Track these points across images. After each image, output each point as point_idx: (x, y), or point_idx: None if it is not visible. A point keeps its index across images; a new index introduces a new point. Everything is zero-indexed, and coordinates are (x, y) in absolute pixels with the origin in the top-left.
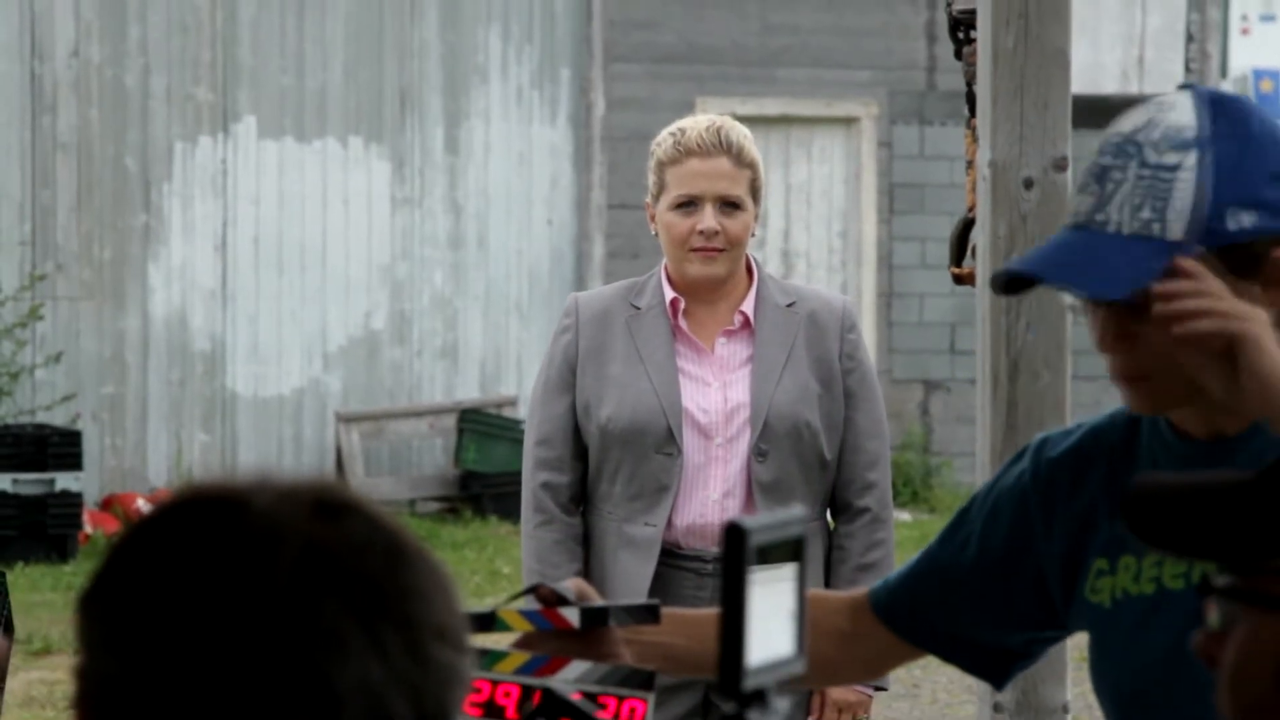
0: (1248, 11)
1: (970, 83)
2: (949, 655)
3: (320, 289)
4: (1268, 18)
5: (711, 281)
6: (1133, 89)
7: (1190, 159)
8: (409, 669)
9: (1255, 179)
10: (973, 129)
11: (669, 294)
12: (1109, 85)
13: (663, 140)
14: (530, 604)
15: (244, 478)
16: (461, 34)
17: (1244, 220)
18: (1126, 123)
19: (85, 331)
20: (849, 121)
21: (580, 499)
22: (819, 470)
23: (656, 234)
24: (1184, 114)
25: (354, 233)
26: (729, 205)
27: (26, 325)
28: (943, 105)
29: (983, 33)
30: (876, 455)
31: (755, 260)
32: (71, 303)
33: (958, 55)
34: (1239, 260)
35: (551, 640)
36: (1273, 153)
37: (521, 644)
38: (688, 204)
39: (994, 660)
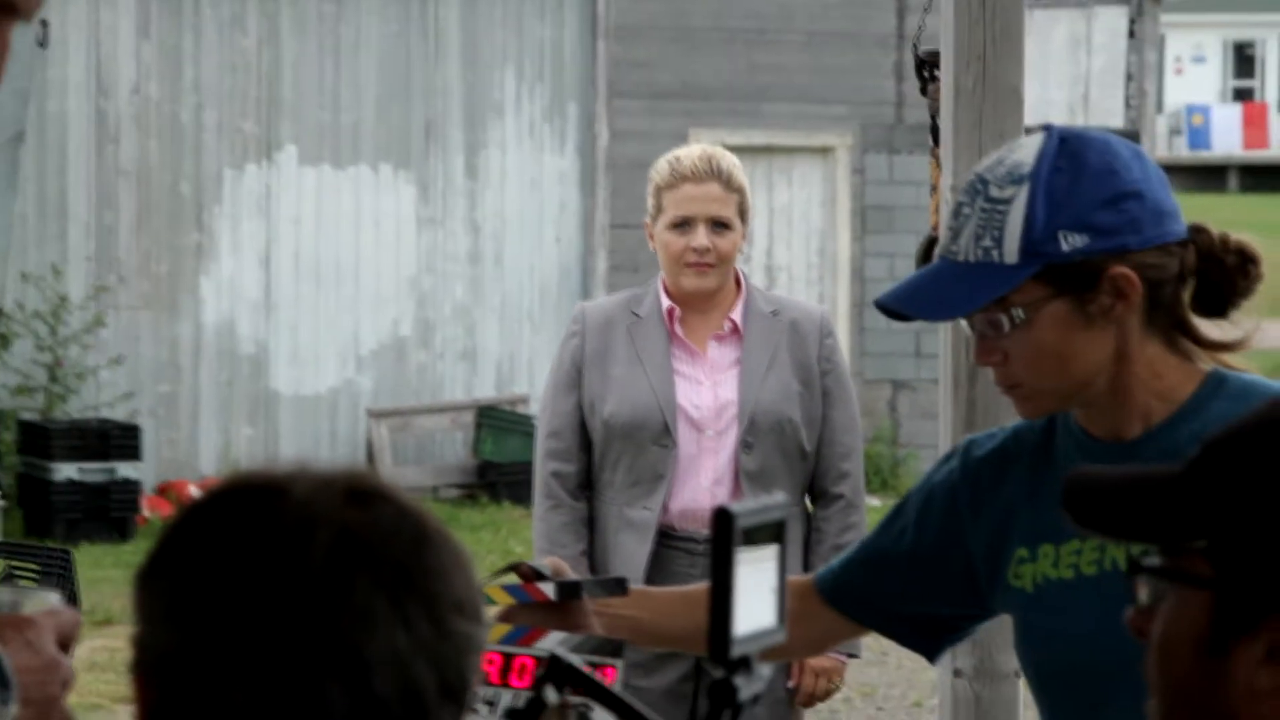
0: (1181, 54)
1: (934, 116)
2: (887, 630)
3: (354, 299)
4: (1199, 60)
5: (704, 293)
6: (1079, 122)
7: (1023, 191)
8: (431, 639)
9: (1086, 205)
10: (936, 157)
11: (666, 303)
12: (1057, 119)
13: (660, 167)
14: (512, 580)
15: (283, 468)
16: (480, 73)
17: (1075, 241)
18: (982, 163)
19: (144, 337)
20: (826, 151)
21: (586, 486)
22: (799, 461)
23: (655, 250)
24: (1027, 152)
25: (384, 250)
26: (719, 225)
27: (92, 331)
28: (909, 136)
29: (945, 72)
30: (850, 448)
31: (743, 273)
32: (132, 312)
33: (923, 92)
34: (1075, 278)
35: (531, 613)
36: (1104, 183)
37: (504, 617)
38: (682, 224)
39: (926, 635)
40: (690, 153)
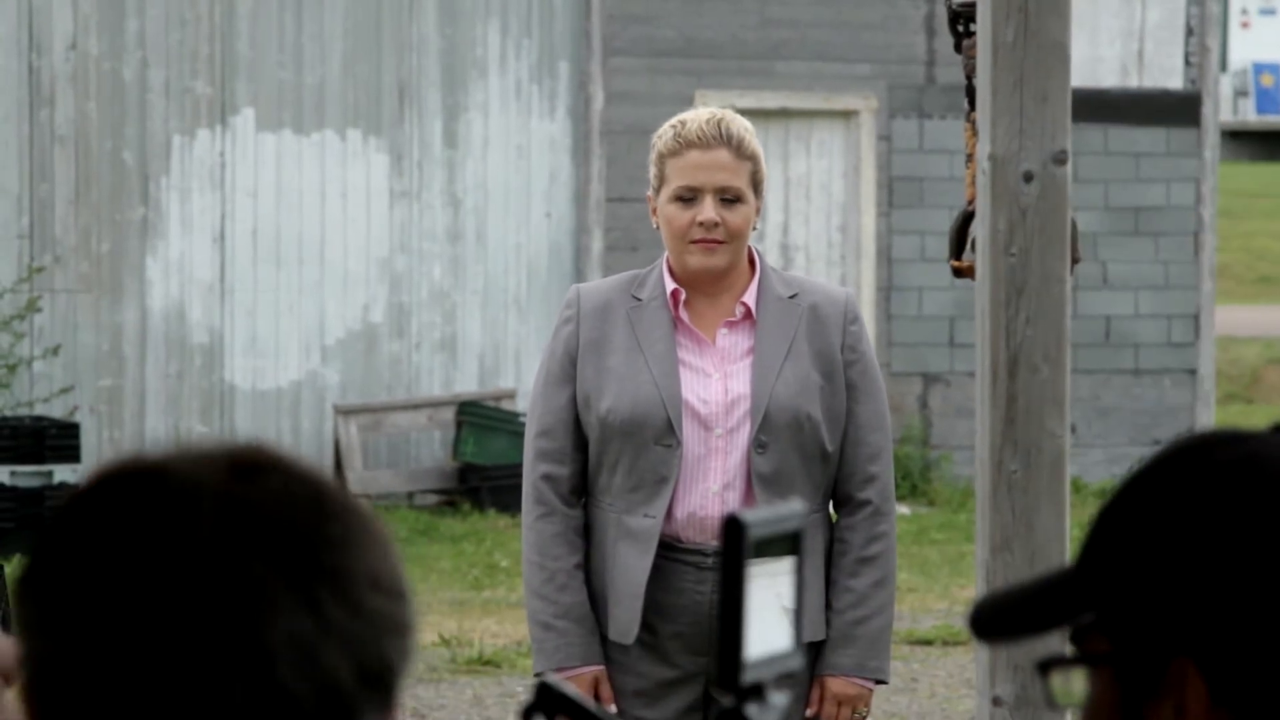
0: (1248, 5)
1: (970, 76)
2: None
3: (318, 282)
4: (1267, 11)
5: (712, 273)
6: (1132, 83)
7: None
8: (342, 620)
9: None
10: (972, 122)
11: (670, 286)
12: (1108, 79)
13: (664, 132)
14: None
15: (161, 449)
16: (460, 28)
17: None
18: None
19: (83, 324)
20: (848, 115)
21: (581, 491)
22: (820, 463)
23: (657, 226)
24: None
25: (352, 226)
26: (729, 197)
27: (24, 318)
28: (942, 99)
29: (982, 26)
30: (879, 448)
31: (757, 252)
32: (69, 295)
33: (957, 48)
34: None
35: None
36: None
37: None
38: (688, 196)
39: None
40: (697, 116)
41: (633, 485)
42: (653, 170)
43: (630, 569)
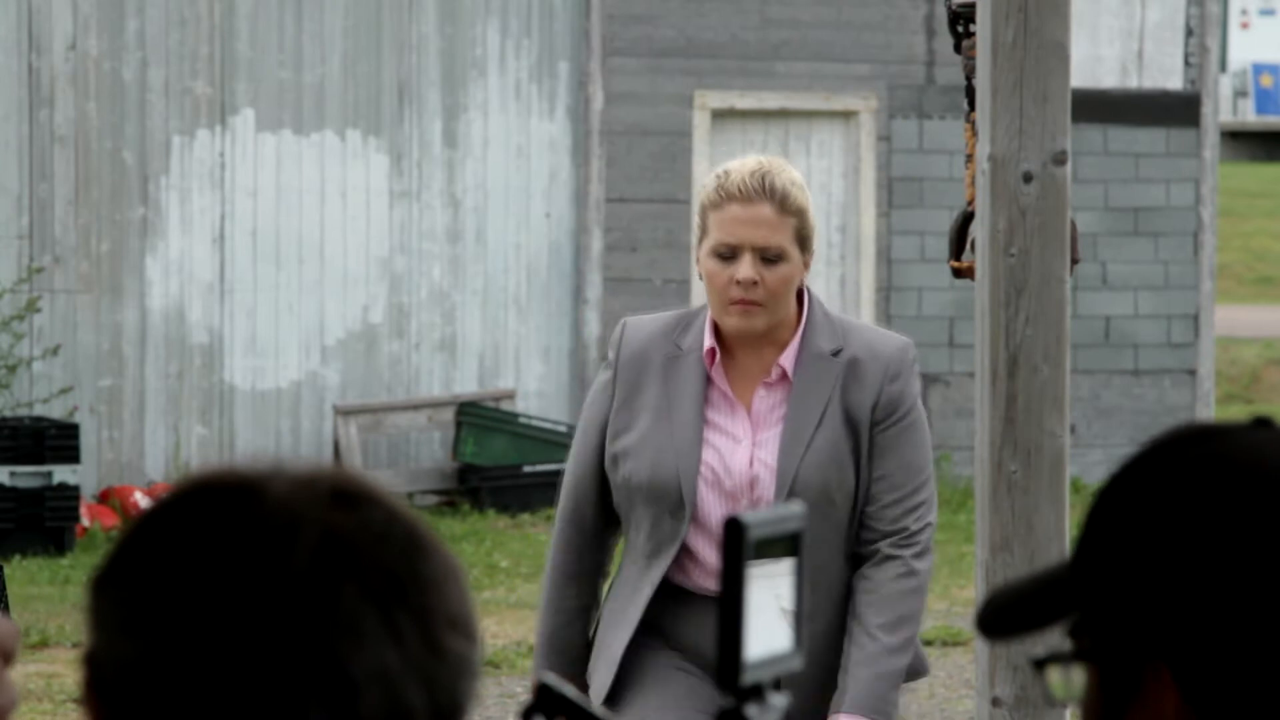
0: (1247, 6)
1: (970, 76)
2: None
3: (318, 282)
4: (1267, 12)
5: (749, 336)
6: (1132, 83)
7: None
8: (424, 657)
9: None
10: (972, 123)
11: (708, 342)
12: (1108, 79)
13: (708, 183)
14: None
15: (259, 465)
16: (460, 28)
17: None
18: None
19: (83, 324)
20: (848, 115)
21: (610, 529)
22: (848, 525)
23: (702, 276)
24: None
25: (352, 226)
26: (770, 256)
27: (24, 318)
28: (942, 99)
29: (982, 26)
30: (916, 503)
31: (809, 294)
32: (69, 295)
33: (957, 49)
34: None
35: None
36: None
37: None
38: (727, 254)
39: None
40: (742, 166)
41: (650, 550)
42: (697, 220)
43: (616, 641)
